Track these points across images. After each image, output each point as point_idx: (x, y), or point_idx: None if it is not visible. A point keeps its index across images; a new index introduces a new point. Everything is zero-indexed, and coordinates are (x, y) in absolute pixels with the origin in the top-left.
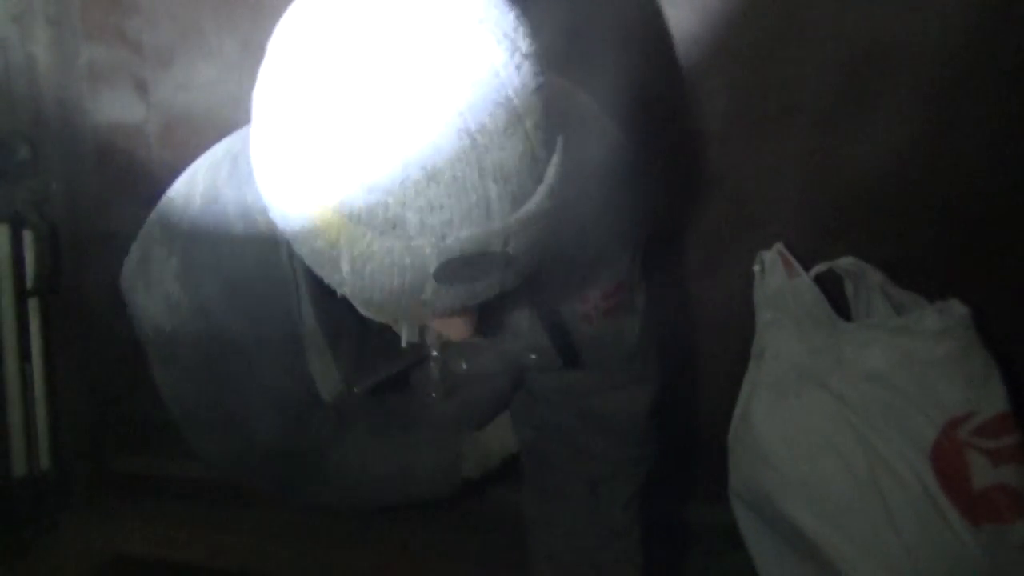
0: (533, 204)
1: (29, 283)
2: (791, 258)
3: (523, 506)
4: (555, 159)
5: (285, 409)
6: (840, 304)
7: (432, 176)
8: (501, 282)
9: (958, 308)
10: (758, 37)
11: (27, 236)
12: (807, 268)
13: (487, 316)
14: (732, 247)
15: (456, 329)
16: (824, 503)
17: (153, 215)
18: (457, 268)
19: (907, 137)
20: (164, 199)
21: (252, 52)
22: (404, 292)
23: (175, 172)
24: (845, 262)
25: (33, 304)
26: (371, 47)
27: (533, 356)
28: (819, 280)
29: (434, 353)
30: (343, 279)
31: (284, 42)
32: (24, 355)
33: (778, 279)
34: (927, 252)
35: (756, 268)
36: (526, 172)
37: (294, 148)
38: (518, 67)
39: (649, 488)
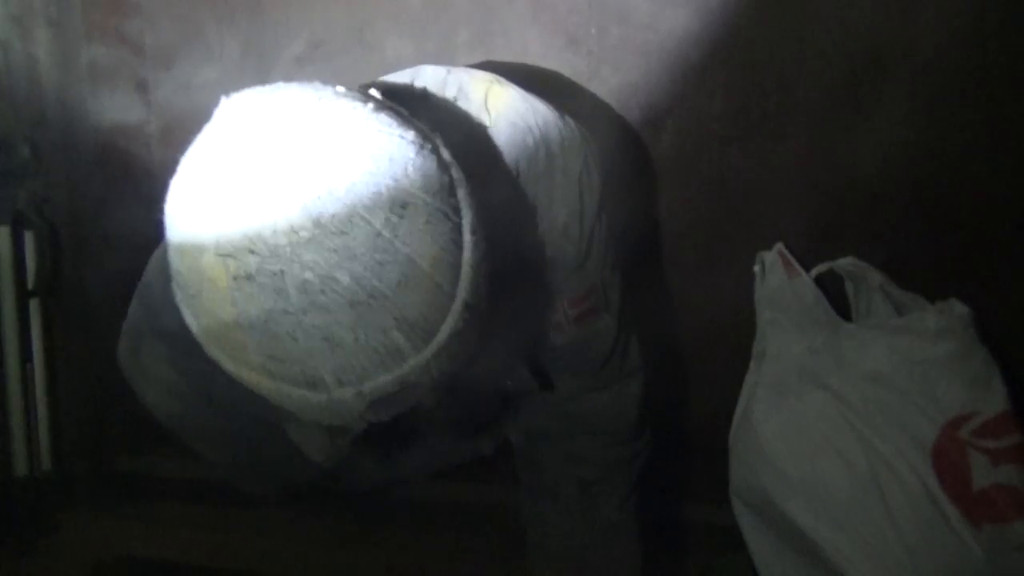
0: (446, 330)
1: (30, 283)
2: (791, 258)
3: (520, 506)
4: (467, 268)
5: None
6: (840, 304)
7: (335, 344)
8: (434, 389)
9: (958, 308)
10: (758, 38)
11: (28, 237)
12: (807, 268)
13: None
14: (732, 247)
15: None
16: (824, 503)
17: (134, 302)
18: (383, 406)
19: (906, 137)
20: (141, 284)
21: (253, 53)
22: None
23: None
24: (845, 262)
25: (34, 304)
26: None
27: (509, 383)
28: (819, 280)
29: None
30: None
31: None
32: (25, 355)
33: (778, 279)
34: (927, 252)
35: (756, 268)
36: (431, 309)
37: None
38: (400, 219)
39: (645, 484)
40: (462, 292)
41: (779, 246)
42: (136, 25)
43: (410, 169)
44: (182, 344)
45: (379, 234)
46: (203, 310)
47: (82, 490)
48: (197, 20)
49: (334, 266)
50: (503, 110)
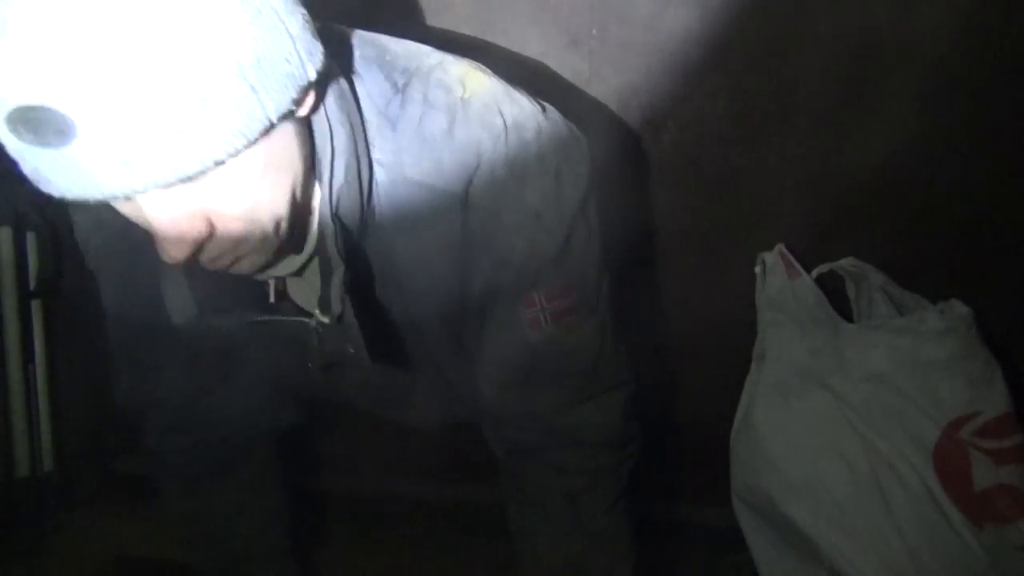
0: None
1: (32, 285)
2: (792, 259)
3: (507, 516)
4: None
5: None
6: (842, 305)
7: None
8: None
9: (960, 309)
10: (758, 39)
11: (30, 238)
12: (808, 269)
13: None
14: (733, 247)
15: (169, 247)
16: (826, 503)
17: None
18: (21, 118)
19: (908, 138)
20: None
21: None
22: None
23: None
24: (846, 263)
25: (36, 306)
26: None
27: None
28: (820, 281)
29: (313, 322)
30: None
31: None
32: (27, 357)
33: (779, 280)
34: (928, 253)
35: (757, 269)
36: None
37: None
38: None
39: (635, 485)
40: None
41: (780, 247)
42: None
43: None
44: None
45: None
46: None
47: (84, 491)
48: None
49: None
50: (479, 91)
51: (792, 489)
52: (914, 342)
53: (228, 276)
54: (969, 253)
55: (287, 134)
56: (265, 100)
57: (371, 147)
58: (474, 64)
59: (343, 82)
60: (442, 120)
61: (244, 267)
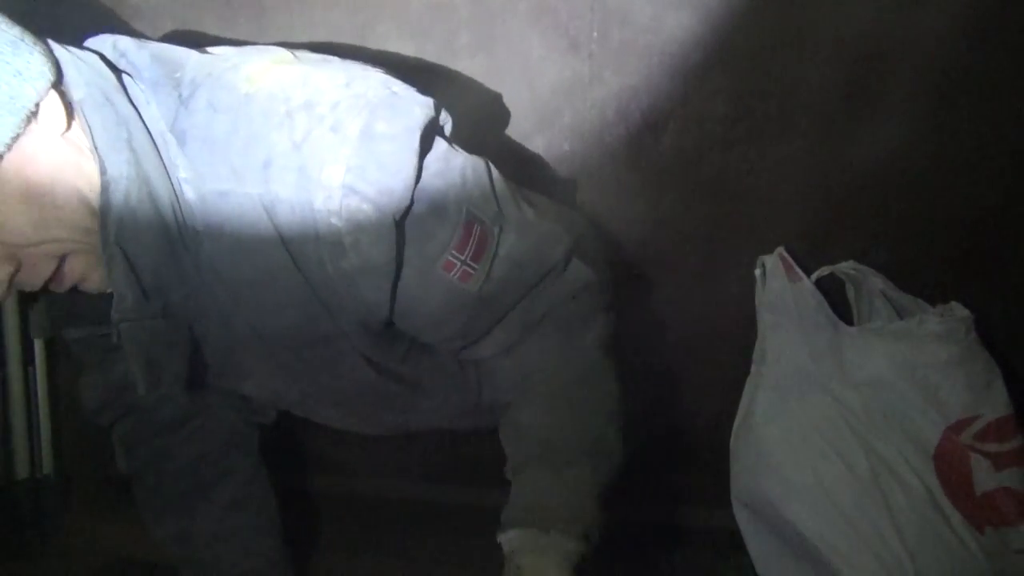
0: None
1: None
2: (792, 262)
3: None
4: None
5: None
6: (841, 308)
7: None
8: None
9: (960, 312)
10: (759, 41)
11: None
12: (808, 272)
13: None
14: (733, 250)
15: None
16: (826, 507)
17: None
18: None
19: (908, 141)
20: None
21: None
22: None
23: None
24: (846, 266)
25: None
26: None
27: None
28: (820, 284)
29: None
30: None
31: None
32: (27, 358)
33: (779, 283)
34: (928, 255)
35: (757, 272)
36: None
37: None
38: None
39: (633, 486)
40: None
41: (780, 250)
42: (137, 26)
43: None
44: None
45: None
46: None
47: (83, 493)
48: (198, 21)
49: None
50: (265, 82)
51: (792, 492)
52: (914, 345)
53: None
54: (969, 256)
55: (21, 162)
56: None
57: (173, 167)
58: (280, 55)
59: (122, 107)
60: (225, 121)
61: (91, 286)
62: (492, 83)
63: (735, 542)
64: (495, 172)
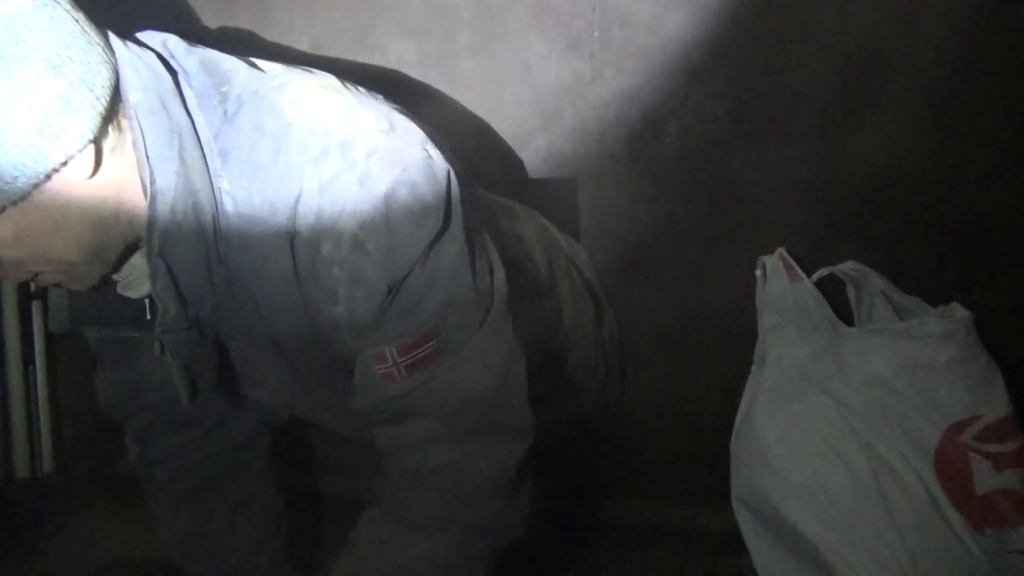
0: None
1: (31, 286)
2: (793, 262)
3: None
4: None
5: None
6: (842, 309)
7: None
8: None
9: (960, 312)
10: (759, 41)
11: None
12: (809, 273)
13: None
14: (734, 251)
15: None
16: (826, 507)
17: None
18: None
19: (908, 142)
20: None
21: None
22: None
23: None
24: (847, 266)
25: (36, 307)
26: None
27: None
28: (821, 285)
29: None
30: None
31: None
32: (27, 358)
33: (780, 284)
34: (929, 256)
35: (758, 272)
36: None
37: None
38: None
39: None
40: None
41: (780, 250)
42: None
43: None
44: None
45: None
46: None
47: (84, 492)
48: (198, 20)
49: None
50: (308, 111)
51: (792, 492)
52: (914, 346)
53: (110, 292)
54: (969, 256)
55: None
56: None
57: (217, 178)
58: (328, 81)
59: (176, 115)
60: (268, 149)
61: (75, 284)
62: (493, 83)
63: (735, 542)
64: (480, 287)
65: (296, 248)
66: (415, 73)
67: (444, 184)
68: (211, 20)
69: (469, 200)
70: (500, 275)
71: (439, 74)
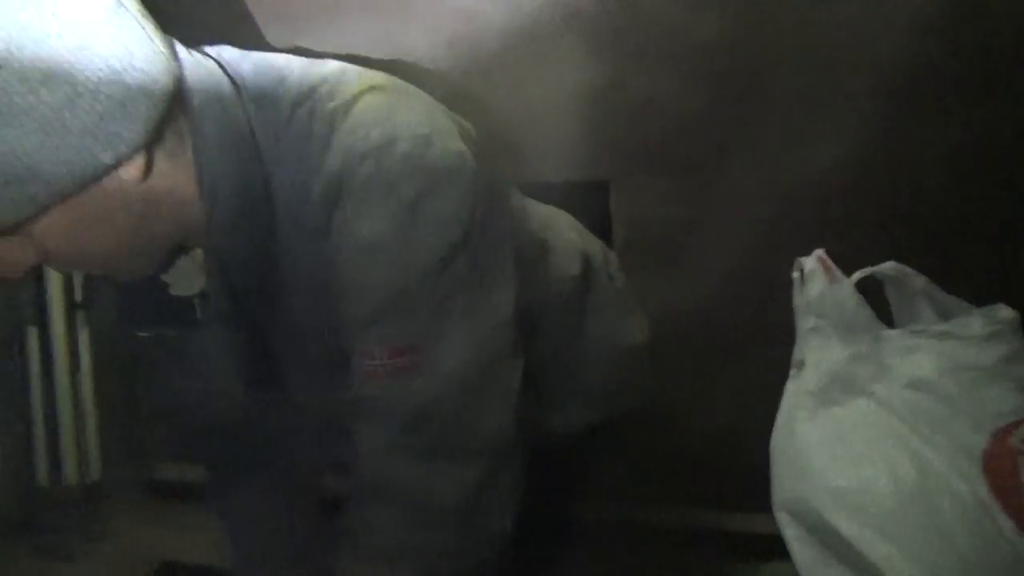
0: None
1: (78, 295)
2: (832, 264)
3: None
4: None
5: None
6: (882, 310)
7: None
8: None
9: (1005, 312)
10: (787, 45)
11: None
12: (848, 274)
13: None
14: (769, 254)
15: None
16: (870, 512)
17: None
18: None
19: (950, 141)
20: None
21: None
22: None
23: None
24: (887, 267)
25: (81, 316)
26: None
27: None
28: (860, 286)
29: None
30: None
31: None
32: (74, 366)
33: (818, 286)
34: (972, 256)
35: (795, 275)
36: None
37: None
38: None
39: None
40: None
41: (819, 252)
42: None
43: None
44: None
45: None
46: None
47: (130, 498)
48: (231, 31)
49: None
50: (354, 114)
51: (836, 498)
52: (958, 347)
53: (158, 291)
54: (1014, 255)
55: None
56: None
57: (272, 180)
58: (376, 79)
59: (236, 122)
60: (315, 155)
61: (121, 276)
62: (523, 87)
63: (777, 548)
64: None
65: (329, 243)
66: (446, 76)
67: (468, 194)
68: (241, 28)
69: (497, 210)
70: (509, 292)
71: (469, 78)
